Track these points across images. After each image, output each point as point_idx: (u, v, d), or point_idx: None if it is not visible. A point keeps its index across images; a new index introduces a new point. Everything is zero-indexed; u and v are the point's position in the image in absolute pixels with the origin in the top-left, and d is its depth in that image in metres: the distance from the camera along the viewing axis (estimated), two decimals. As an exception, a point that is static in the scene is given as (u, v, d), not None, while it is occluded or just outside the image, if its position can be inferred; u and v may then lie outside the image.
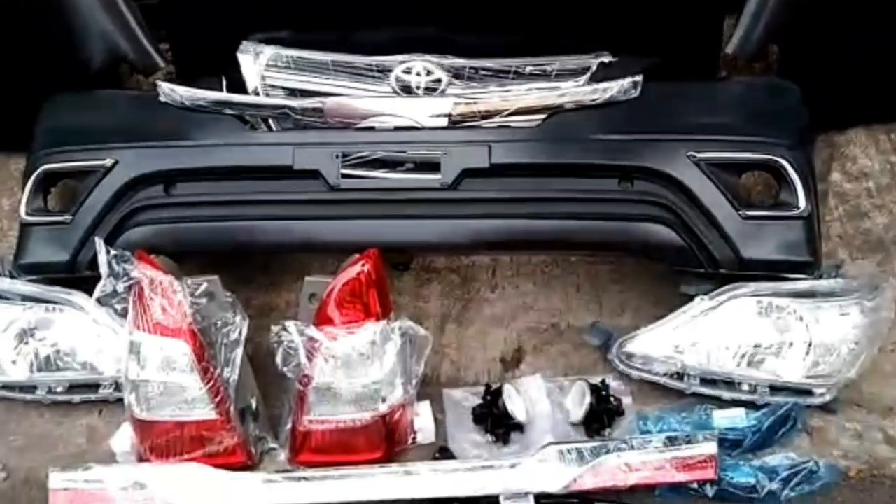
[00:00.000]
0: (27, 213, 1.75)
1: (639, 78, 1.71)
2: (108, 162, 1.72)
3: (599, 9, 1.86)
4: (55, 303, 1.69)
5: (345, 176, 1.69)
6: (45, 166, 1.75)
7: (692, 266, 1.68)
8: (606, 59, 1.85)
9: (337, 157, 1.69)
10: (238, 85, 1.88)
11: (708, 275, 1.67)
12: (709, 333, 1.64)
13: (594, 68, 1.84)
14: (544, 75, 1.86)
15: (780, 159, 1.64)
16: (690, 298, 1.66)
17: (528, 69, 1.86)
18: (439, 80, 1.85)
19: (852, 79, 1.97)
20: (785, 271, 1.64)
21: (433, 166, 1.69)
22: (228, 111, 1.76)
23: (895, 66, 1.96)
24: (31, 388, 1.73)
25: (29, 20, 1.93)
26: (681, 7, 1.85)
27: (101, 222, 1.71)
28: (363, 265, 1.58)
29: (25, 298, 1.71)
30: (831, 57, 1.93)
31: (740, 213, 1.64)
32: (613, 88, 1.71)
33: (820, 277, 1.65)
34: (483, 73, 1.86)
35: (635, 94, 1.71)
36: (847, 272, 1.66)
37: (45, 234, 1.74)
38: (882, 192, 2.03)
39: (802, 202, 1.63)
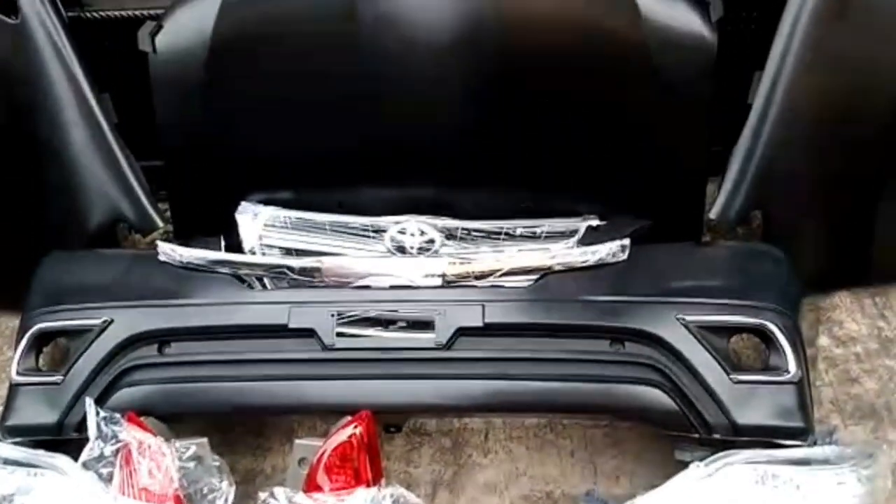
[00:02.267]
0: (18, 374, 1.72)
1: (626, 241, 1.76)
2: (103, 321, 1.71)
3: (584, 176, 1.95)
4: (37, 466, 1.62)
5: (339, 335, 1.69)
6: (40, 325, 1.74)
7: (686, 431, 1.66)
8: (594, 222, 1.92)
9: (332, 315, 1.70)
10: (236, 244, 1.92)
11: (702, 440, 1.65)
12: (705, 502, 1.59)
13: (582, 231, 1.91)
14: (534, 237, 1.92)
15: (767, 323, 1.66)
16: (686, 464, 1.62)
17: (519, 231, 1.93)
18: (433, 241, 1.91)
19: (834, 243, 2.02)
20: (779, 437, 1.62)
21: (427, 325, 1.70)
22: (226, 270, 1.78)
23: (874, 230, 2.01)
24: (7, 560, 1.67)
25: (27, 177, 1.98)
26: (662, 173, 1.93)
27: (93, 383, 1.68)
28: (355, 427, 1.57)
29: (7, 462, 1.64)
30: (813, 222, 1.98)
31: (731, 377, 1.63)
32: (602, 251, 1.75)
33: (814, 444, 1.62)
34: (475, 233, 1.93)
35: (623, 256, 1.75)
36: (841, 439, 1.63)
37: (34, 394, 1.70)
38: (871, 357, 2.04)
39: (793, 367, 1.63)
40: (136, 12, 2.07)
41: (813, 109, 1.87)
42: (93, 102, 1.90)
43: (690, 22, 1.80)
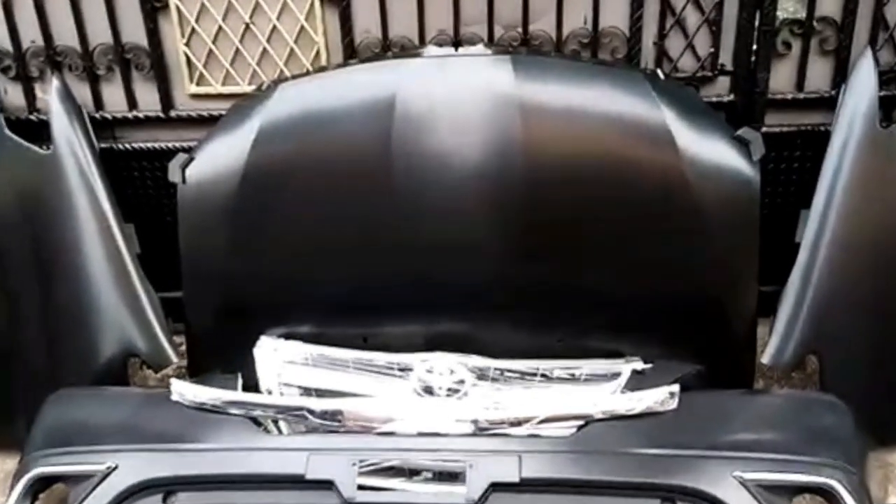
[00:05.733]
0: (8, 524, 1.61)
1: (675, 388, 1.63)
2: (107, 467, 1.57)
3: (626, 316, 1.84)
4: None
5: (361, 487, 1.54)
6: (39, 469, 1.60)
7: None
8: (638, 365, 1.81)
9: (353, 465, 1.55)
10: (254, 382, 1.82)
11: None
12: None
13: (626, 375, 1.79)
14: (573, 379, 1.81)
15: (833, 482, 1.50)
16: None
17: (557, 372, 1.82)
18: (463, 381, 1.80)
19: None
20: None
21: (457, 478, 1.54)
22: (240, 412, 1.66)
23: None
24: None
25: (40, 311, 1.93)
26: (709, 315, 1.82)
27: (88, 537, 1.56)
28: None
29: None
30: (872, 368, 1.87)
31: (799, 546, 1.50)
32: (649, 398, 1.62)
33: None
34: (508, 374, 1.82)
35: (673, 405, 1.62)
36: None
37: (22, 550, 1.57)
38: (948, 522, 1.88)
39: (864, 533, 1.49)
40: (168, 144, 2.11)
41: (864, 247, 1.81)
42: (116, 233, 1.89)
43: (731, 160, 1.77)
